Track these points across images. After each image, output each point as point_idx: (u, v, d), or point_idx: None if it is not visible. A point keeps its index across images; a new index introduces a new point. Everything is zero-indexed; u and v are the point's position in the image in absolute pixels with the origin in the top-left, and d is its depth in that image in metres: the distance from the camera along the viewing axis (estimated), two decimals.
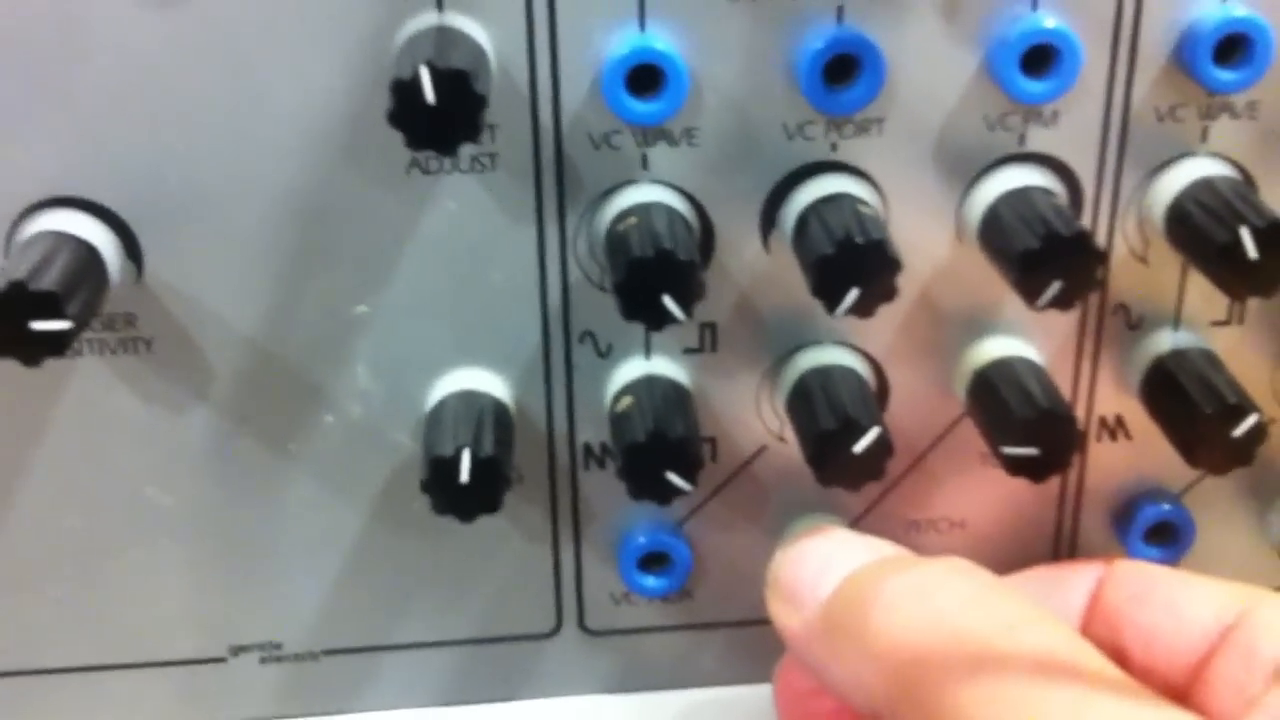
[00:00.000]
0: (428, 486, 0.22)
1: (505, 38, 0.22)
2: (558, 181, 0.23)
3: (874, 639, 0.19)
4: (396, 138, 0.20)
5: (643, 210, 0.22)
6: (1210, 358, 0.24)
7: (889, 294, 0.21)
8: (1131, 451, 0.26)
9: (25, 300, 0.20)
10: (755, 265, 0.24)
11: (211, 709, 0.27)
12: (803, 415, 0.24)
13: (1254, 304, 0.25)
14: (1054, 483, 0.26)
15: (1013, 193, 0.23)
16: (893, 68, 0.22)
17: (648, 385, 0.24)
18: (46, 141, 0.22)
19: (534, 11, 0.22)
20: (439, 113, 0.19)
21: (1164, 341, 0.25)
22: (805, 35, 0.22)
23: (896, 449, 0.23)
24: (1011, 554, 0.26)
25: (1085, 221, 0.24)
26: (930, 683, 0.17)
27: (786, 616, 0.21)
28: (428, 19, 0.22)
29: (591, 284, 0.24)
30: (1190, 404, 0.23)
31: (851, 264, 0.21)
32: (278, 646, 0.26)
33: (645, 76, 0.22)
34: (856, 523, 0.26)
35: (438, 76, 0.19)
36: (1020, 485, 0.23)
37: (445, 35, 0.21)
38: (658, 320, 0.21)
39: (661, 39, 0.22)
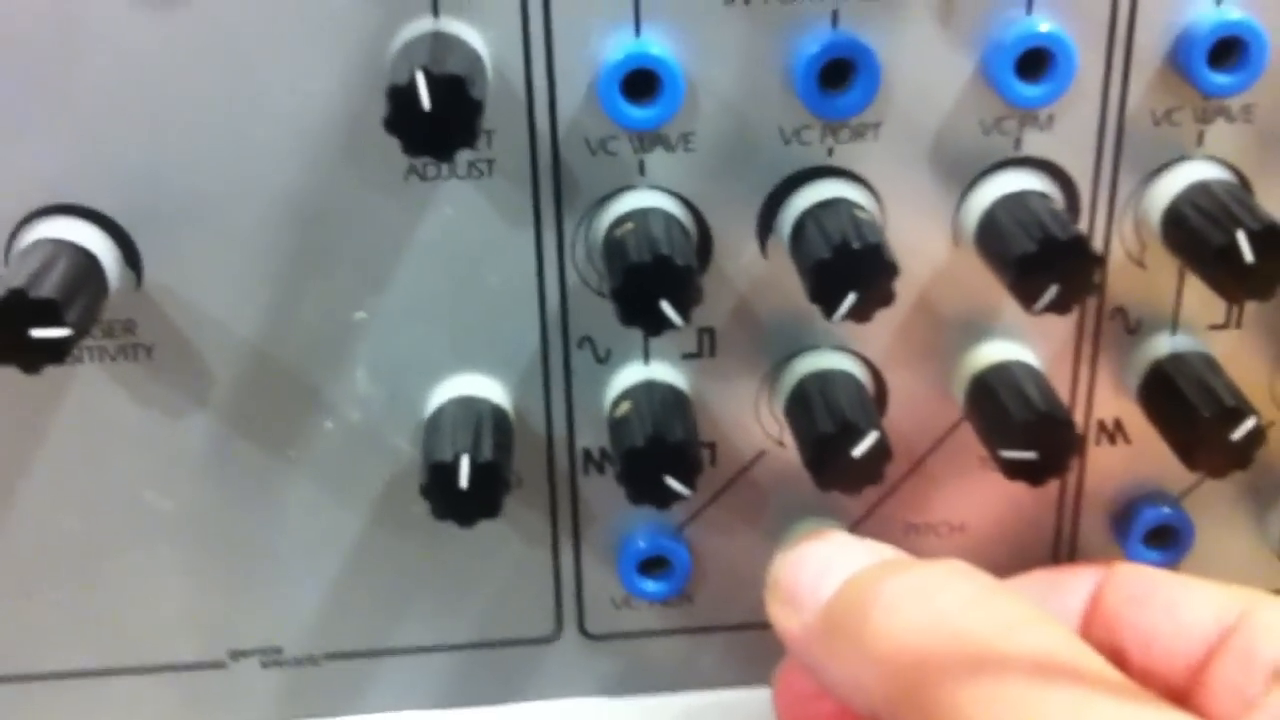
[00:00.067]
0: (427, 491, 0.22)
1: (501, 43, 0.22)
2: (555, 187, 0.23)
3: (874, 641, 0.19)
4: (394, 144, 0.20)
5: (640, 216, 0.22)
6: (1208, 361, 0.24)
7: (886, 298, 0.21)
8: (1130, 455, 0.26)
9: (25, 308, 0.20)
10: (753, 270, 0.24)
11: (212, 713, 0.27)
12: (801, 420, 0.24)
13: (1251, 307, 0.25)
14: (1053, 486, 0.26)
15: (1009, 197, 0.23)
16: (888, 72, 0.22)
17: (646, 390, 0.24)
18: (45, 147, 0.22)
19: (529, 16, 0.22)
20: (435, 119, 0.19)
21: (1162, 345, 0.25)
22: (801, 40, 0.22)
23: (895, 453, 0.23)
24: (1011, 557, 0.26)
25: (1082, 225, 0.24)
26: (930, 684, 0.17)
27: (786, 619, 0.21)
28: (423, 24, 0.22)
29: (590, 289, 0.24)
30: (1189, 407, 0.23)
31: (848, 269, 0.21)
32: (278, 651, 0.26)
33: (641, 81, 0.22)
34: (856, 526, 0.26)
35: (434, 82, 0.19)
36: (1019, 489, 0.23)
37: (441, 41, 0.21)
38: (655, 326, 0.21)
39: (657, 44, 0.22)
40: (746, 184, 0.23)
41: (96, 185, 0.22)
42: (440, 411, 0.24)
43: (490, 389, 0.24)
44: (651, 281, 0.21)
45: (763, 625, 0.22)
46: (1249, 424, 0.23)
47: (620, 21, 0.22)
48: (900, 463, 0.25)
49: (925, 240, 0.24)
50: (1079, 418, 0.26)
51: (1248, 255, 0.21)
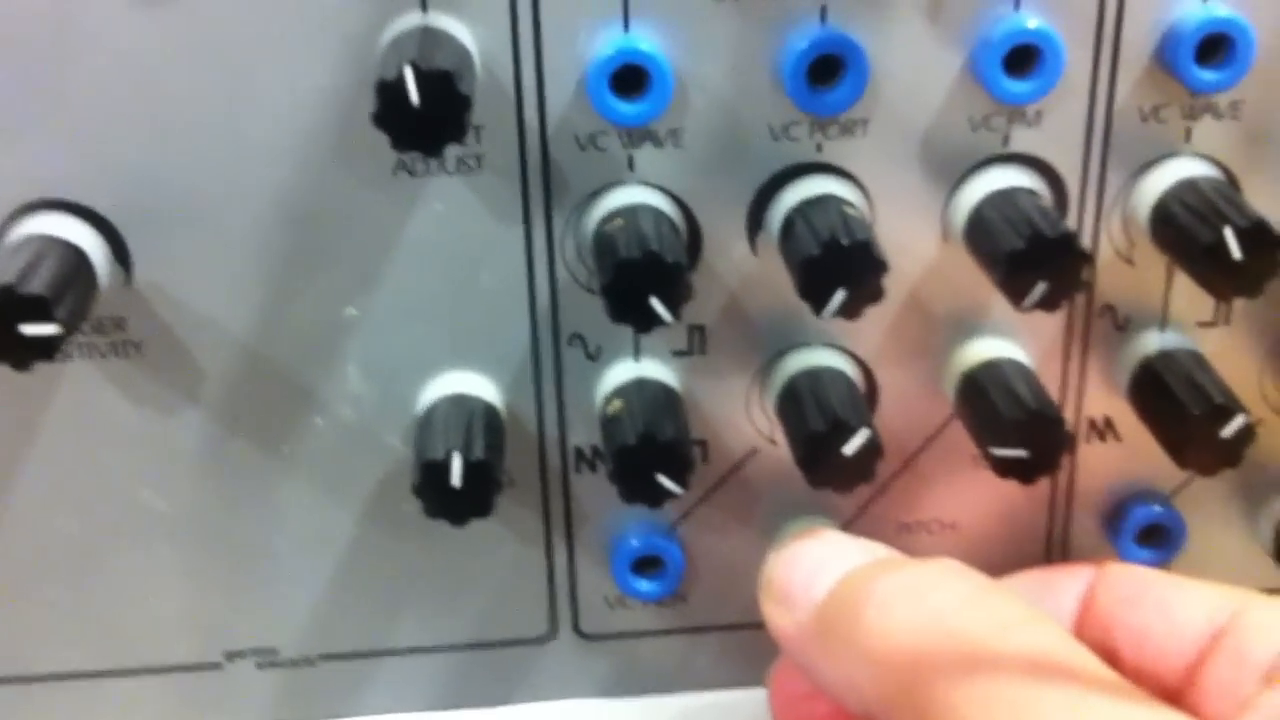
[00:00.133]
0: (419, 490, 0.22)
1: (490, 38, 0.22)
2: (544, 183, 0.23)
3: (868, 640, 0.19)
4: (383, 139, 0.20)
5: (629, 212, 0.22)
6: (1197, 359, 0.24)
7: (876, 295, 0.21)
8: (1121, 453, 0.26)
9: (14, 304, 0.20)
10: (743, 267, 0.24)
11: (208, 715, 0.27)
12: (792, 417, 0.24)
13: (1240, 304, 0.25)
14: (1045, 484, 0.26)
15: (998, 194, 0.23)
16: (877, 68, 0.22)
17: (638, 388, 0.24)
18: (35, 144, 0.22)
19: (518, 12, 0.22)
20: (424, 114, 0.19)
21: (1151, 343, 0.25)
22: (789, 36, 0.22)
23: (886, 451, 0.23)
24: (1003, 556, 0.26)
25: (1070, 222, 0.24)
26: (924, 684, 0.17)
27: (780, 618, 0.21)
28: (412, 19, 0.22)
29: (580, 286, 0.24)
30: (1178, 405, 0.23)
31: (837, 265, 0.21)
32: (273, 652, 0.26)
33: (630, 77, 0.22)
34: (848, 525, 0.26)
35: (422, 77, 0.19)
36: (1011, 487, 0.23)
37: (430, 36, 0.21)
38: (645, 322, 0.21)
39: (646, 40, 0.22)
40: (736, 180, 0.23)
41: (86, 182, 0.22)
42: (432, 409, 0.24)
43: (482, 387, 0.24)
44: (641, 278, 0.21)
45: (757, 625, 0.22)
46: (1238, 421, 0.23)
47: (609, 17, 0.22)
48: (891, 461, 0.25)
49: (914, 237, 0.24)
50: (1069, 415, 0.26)
51: (1236, 252, 0.21)
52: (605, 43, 0.22)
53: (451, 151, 0.23)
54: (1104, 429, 0.26)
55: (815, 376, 0.24)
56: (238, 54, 0.22)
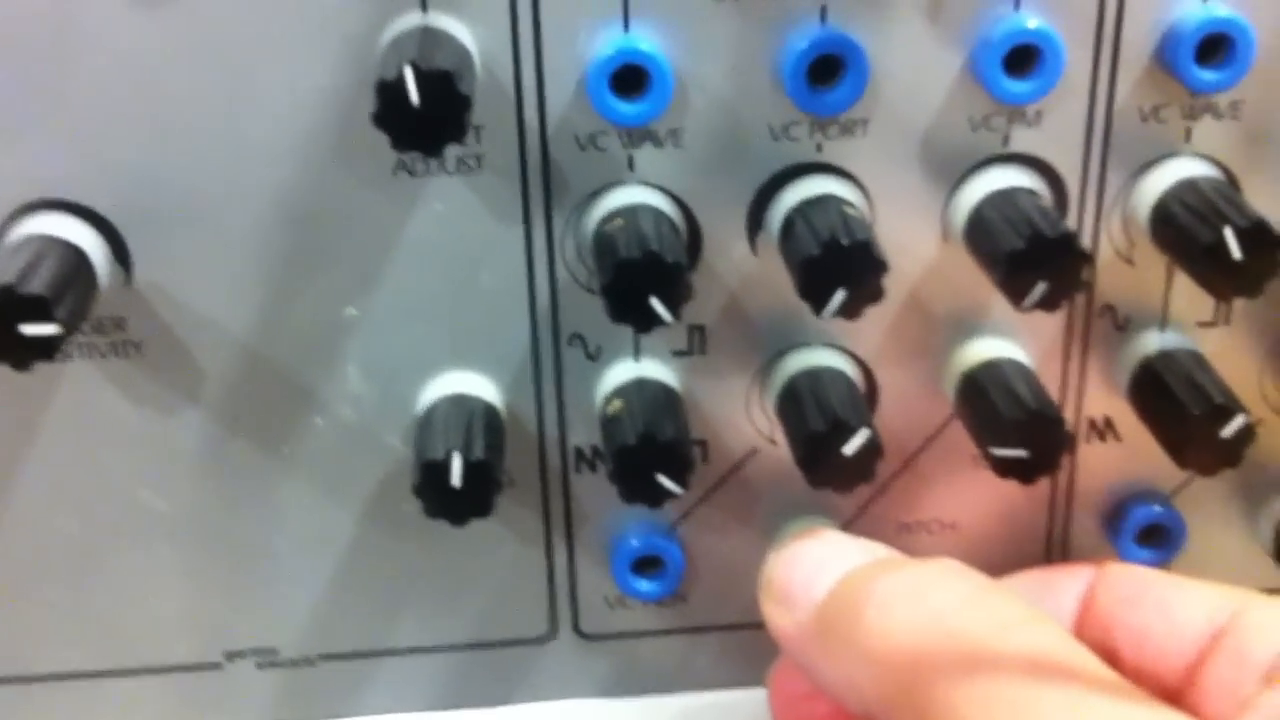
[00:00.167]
0: (419, 490, 0.22)
1: (490, 38, 0.22)
2: (544, 183, 0.23)
3: (868, 640, 0.19)
4: (383, 140, 0.20)
5: (629, 212, 0.22)
6: (1197, 359, 0.24)
7: (876, 295, 0.21)
8: (1121, 453, 0.26)
9: (14, 304, 0.20)
10: (743, 267, 0.24)
11: (207, 715, 0.27)
12: (792, 417, 0.24)
13: (1240, 304, 0.25)
14: (1045, 484, 0.26)
15: (998, 194, 0.23)
16: (877, 69, 0.22)
17: (638, 388, 0.24)
18: (35, 144, 0.22)
19: (518, 12, 0.22)
20: (424, 114, 0.19)
21: (1151, 342, 0.25)
22: (789, 36, 0.22)
23: (886, 451, 0.23)
24: (1003, 556, 0.26)
25: (1070, 222, 0.24)
26: (924, 683, 0.17)
27: (780, 618, 0.21)
28: (412, 19, 0.22)
29: (580, 286, 0.24)
30: (1178, 405, 0.23)
31: (837, 265, 0.21)
32: (273, 652, 0.26)
33: (630, 77, 0.22)
34: (848, 525, 0.26)
35: (422, 77, 0.19)
36: (1011, 487, 0.23)
37: (430, 36, 0.21)
38: (645, 322, 0.21)
39: (646, 40, 0.22)
40: (736, 180, 0.23)
41: (87, 182, 0.22)
42: (432, 410, 0.24)
43: (482, 387, 0.24)
44: (641, 278, 0.21)
45: (757, 625, 0.22)
46: (1238, 421, 0.23)
47: (609, 17, 0.22)
48: (892, 461, 0.25)
49: (914, 237, 0.24)
50: (1069, 415, 0.26)
51: (1236, 252, 0.21)
52: (605, 43, 0.22)
53: (451, 151, 0.23)
54: (1104, 429, 0.26)
55: (815, 376, 0.24)
56: (238, 54, 0.22)
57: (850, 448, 0.22)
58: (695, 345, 0.25)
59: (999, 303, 0.23)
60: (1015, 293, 0.21)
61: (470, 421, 0.23)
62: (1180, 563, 0.26)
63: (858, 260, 0.21)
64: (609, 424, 0.24)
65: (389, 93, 0.19)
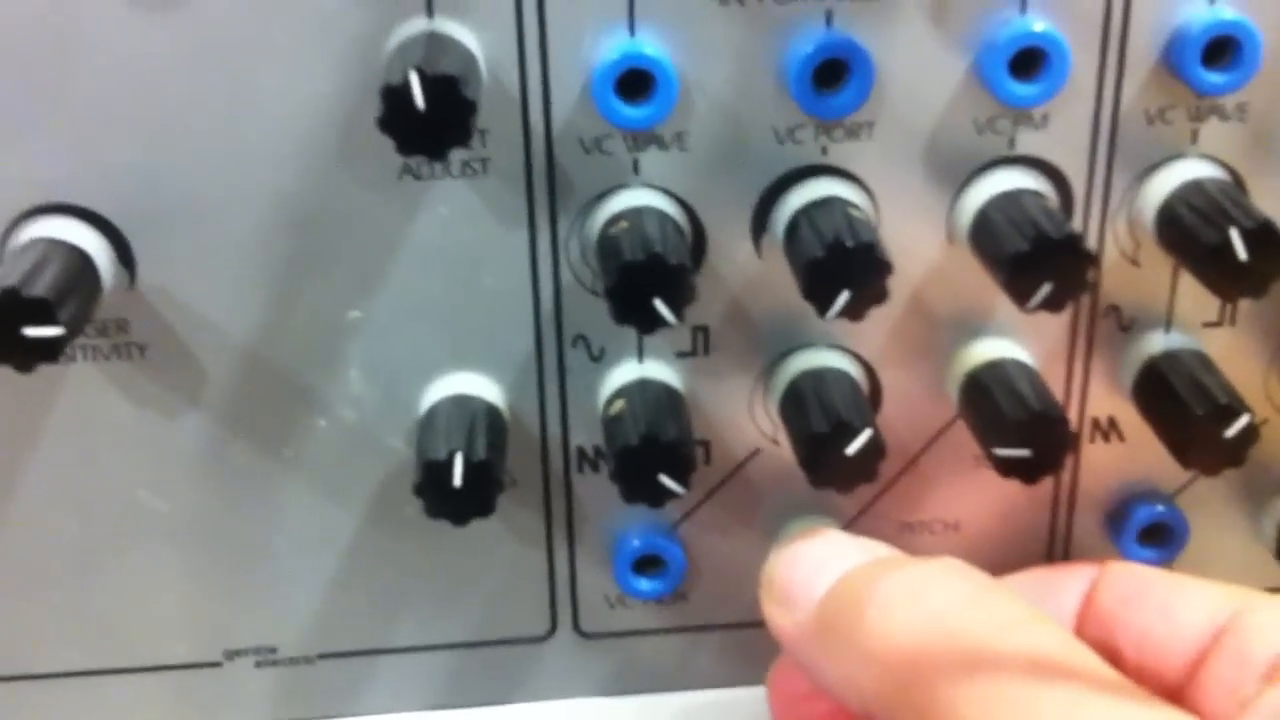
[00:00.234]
0: (421, 490, 0.22)
1: (495, 43, 0.22)
2: (549, 186, 0.23)
3: (868, 639, 0.19)
4: (388, 144, 0.20)
5: (634, 214, 0.22)
6: (1202, 359, 0.24)
7: (880, 297, 0.21)
8: (1124, 453, 0.26)
9: (18, 306, 0.20)
10: (747, 269, 0.24)
11: (207, 713, 0.27)
12: (795, 418, 0.24)
13: (1245, 305, 0.25)
14: (1047, 484, 0.26)
15: (1003, 196, 0.23)
16: (882, 71, 0.22)
17: (640, 389, 0.24)
18: (39, 147, 0.22)
19: (524, 16, 0.22)
20: (429, 118, 0.19)
21: (1156, 343, 0.25)
22: (794, 39, 0.22)
23: (889, 451, 0.23)
24: (1005, 556, 0.26)
25: (1076, 224, 0.24)
26: (924, 683, 0.17)
27: (781, 618, 0.21)
28: (418, 25, 0.22)
29: (584, 288, 0.24)
30: (1182, 405, 0.23)
31: (842, 267, 0.21)
32: (273, 650, 0.26)
33: (635, 81, 0.22)
34: (850, 525, 0.26)
35: (427, 82, 0.19)
36: (1014, 487, 0.23)
37: (435, 41, 0.21)
38: (649, 324, 0.21)
39: (651, 43, 0.22)
40: (740, 183, 0.23)
41: (91, 185, 0.22)
42: (434, 410, 0.24)
43: (484, 388, 0.24)
44: (645, 280, 0.21)
45: (758, 624, 0.22)
46: (1242, 421, 0.23)
47: (614, 21, 0.22)
48: (894, 461, 0.25)
49: (919, 239, 0.24)
50: (1073, 415, 0.26)
51: (1241, 253, 0.21)
52: (610, 47, 0.22)
53: (457, 155, 0.22)
54: (1108, 429, 0.26)
55: (818, 377, 0.24)
56: (240, 57, 0.22)
57: (852, 448, 0.22)
58: (699, 346, 0.25)
59: (1003, 304, 0.23)
60: (1020, 294, 0.21)
61: (472, 422, 0.23)
62: (1182, 562, 0.26)
63: (862, 262, 0.21)
64: (611, 424, 0.24)
65: (394, 97, 0.19)
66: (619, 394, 0.24)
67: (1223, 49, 0.23)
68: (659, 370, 0.25)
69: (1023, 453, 0.23)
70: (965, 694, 0.17)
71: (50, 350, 0.20)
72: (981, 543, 0.26)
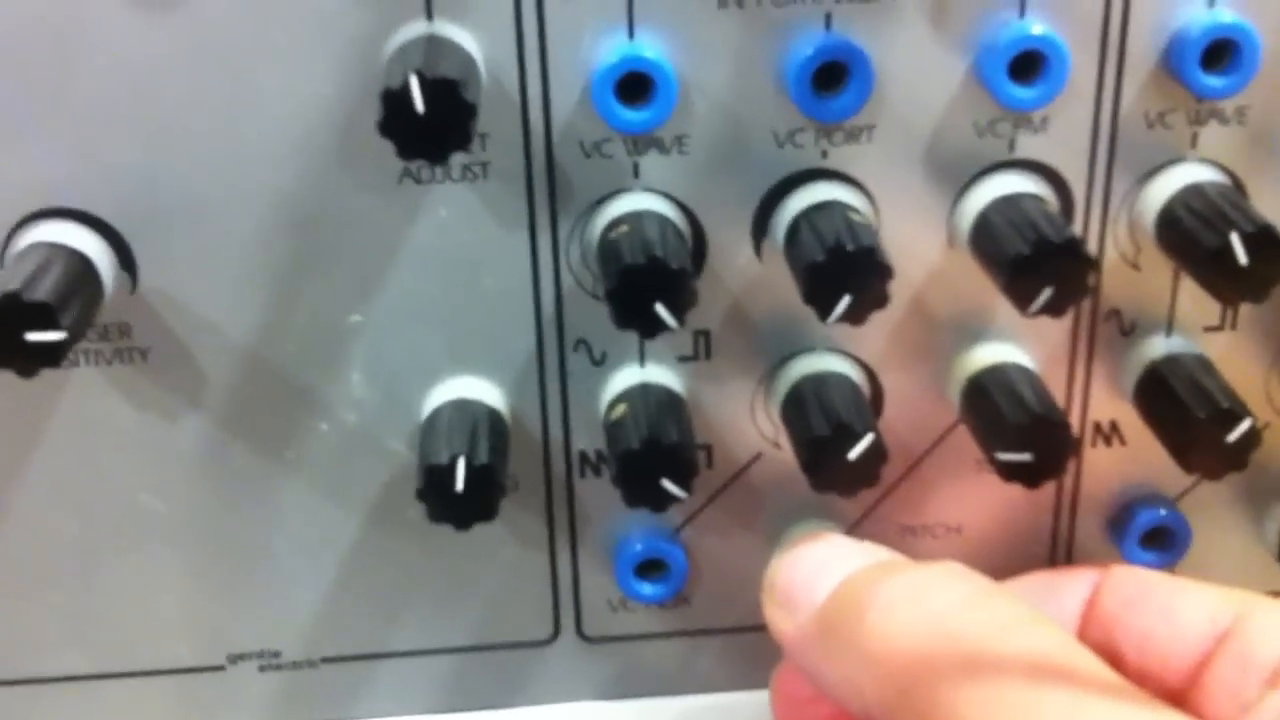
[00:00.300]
0: (423, 494, 0.22)
1: (495, 46, 0.22)
2: (549, 190, 0.23)
3: (869, 642, 0.19)
4: (388, 147, 0.20)
5: (634, 218, 0.22)
6: (1203, 363, 0.24)
7: (881, 301, 0.21)
8: (1126, 457, 0.26)
9: (20, 311, 0.20)
10: (748, 272, 0.24)
11: (209, 717, 0.27)
12: (797, 422, 0.24)
13: (1246, 309, 0.25)
14: (1049, 488, 0.26)
15: (1003, 199, 0.23)
16: (882, 75, 0.22)
17: (642, 393, 0.24)
18: (40, 152, 0.22)
19: (523, 20, 0.22)
20: (429, 122, 0.19)
21: (1157, 347, 0.25)
22: (794, 43, 0.22)
23: (891, 455, 0.23)
24: (1008, 559, 0.26)
25: (1076, 228, 0.24)
26: (926, 686, 0.17)
27: (782, 621, 0.21)
28: (417, 28, 0.22)
29: (585, 292, 0.24)
30: (1184, 409, 0.23)
31: (843, 271, 0.21)
32: (276, 654, 0.26)
33: (635, 84, 0.22)
34: (852, 529, 0.26)
35: (427, 86, 0.19)
36: (1016, 491, 0.23)
37: (435, 44, 0.21)
38: (650, 328, 0.21)
39: (651, 47, 0.22)
40: (741, 187, 0.23)
41: (92, 189, 0.22)
42: (436, 414, 0.24)
43: (486, 392, 0.24)
44: (646, 284, 0.21)
45: (760, 628, 0.22)
46: (1244, 426, 0.23)
47: (614, 25, 0.22)
48: (896, 465, 0.25)
49: (919, 242, 0.24)
50: (1074, 420, 0.26)
51: (1242, 257, 0.21)
52: (610, 50, 0.22)
53: (457, 159, 0.23)
54: (1109, 433, 0.26)
55: (820, 381, 0.24)
56: (240, 59, 0.22)
57: (854, 452, 0.22)
58: (700, 350, 0.25)
59: (1004, 308, 0.23)
60: (1021, 298, 0.21)
61: (474, 426, 0.23)
62: (1185, 566, 0.26)
63: (863, 266, 0.21)
64: (613, 428, 0.24)
65: (394, 101, 0.19)
66: (621, 398, 0.24)
67: (1222, 52, 0.23)
68: (661, 374, 0.25)
69: (1024, 457, 0.23)
70: (966, 696, 0.17)
71: (52, 355, 0.20)
72: (983, 547, 0.26)
